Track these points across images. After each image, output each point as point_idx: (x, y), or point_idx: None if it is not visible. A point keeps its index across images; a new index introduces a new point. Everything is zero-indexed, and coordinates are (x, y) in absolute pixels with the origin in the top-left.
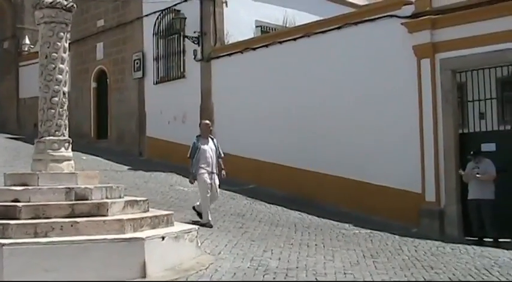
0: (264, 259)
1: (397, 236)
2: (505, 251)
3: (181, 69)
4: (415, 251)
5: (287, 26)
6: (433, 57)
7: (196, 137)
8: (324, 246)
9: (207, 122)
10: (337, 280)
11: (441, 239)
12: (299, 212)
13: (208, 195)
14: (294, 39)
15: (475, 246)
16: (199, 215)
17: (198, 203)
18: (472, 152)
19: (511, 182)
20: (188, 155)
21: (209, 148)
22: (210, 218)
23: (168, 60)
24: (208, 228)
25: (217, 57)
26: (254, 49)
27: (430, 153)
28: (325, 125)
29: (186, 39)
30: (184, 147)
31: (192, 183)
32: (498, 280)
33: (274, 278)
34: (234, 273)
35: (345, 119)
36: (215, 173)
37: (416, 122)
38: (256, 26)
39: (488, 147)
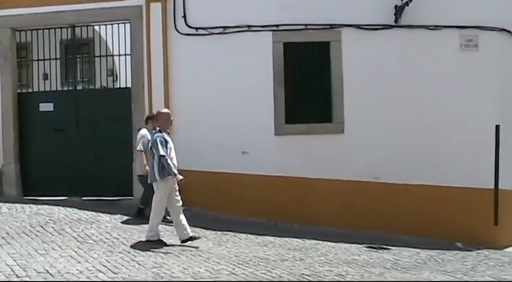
0: None
1: None
2: (61, 207)
3: None
4: None
5: None
6: None
7: (159, 131)
8: None
9: (169, 111)
10: None
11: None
12: None
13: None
14: None
15: (32, 205)
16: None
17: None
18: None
19: (66, 140)
20: (162, 153)
21: (172, 146)
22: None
23: None
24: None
25: None
26: None
27: None
28: None
29: None
30: None
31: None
32: None
33: None
34: None
35: None
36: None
37: None
38: None
39: (47, 107)
